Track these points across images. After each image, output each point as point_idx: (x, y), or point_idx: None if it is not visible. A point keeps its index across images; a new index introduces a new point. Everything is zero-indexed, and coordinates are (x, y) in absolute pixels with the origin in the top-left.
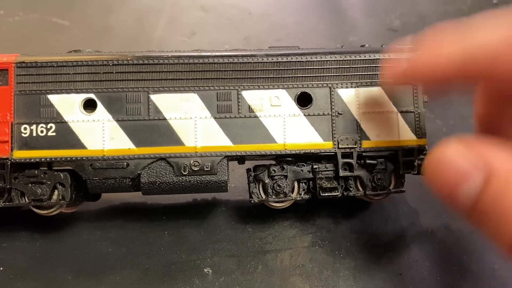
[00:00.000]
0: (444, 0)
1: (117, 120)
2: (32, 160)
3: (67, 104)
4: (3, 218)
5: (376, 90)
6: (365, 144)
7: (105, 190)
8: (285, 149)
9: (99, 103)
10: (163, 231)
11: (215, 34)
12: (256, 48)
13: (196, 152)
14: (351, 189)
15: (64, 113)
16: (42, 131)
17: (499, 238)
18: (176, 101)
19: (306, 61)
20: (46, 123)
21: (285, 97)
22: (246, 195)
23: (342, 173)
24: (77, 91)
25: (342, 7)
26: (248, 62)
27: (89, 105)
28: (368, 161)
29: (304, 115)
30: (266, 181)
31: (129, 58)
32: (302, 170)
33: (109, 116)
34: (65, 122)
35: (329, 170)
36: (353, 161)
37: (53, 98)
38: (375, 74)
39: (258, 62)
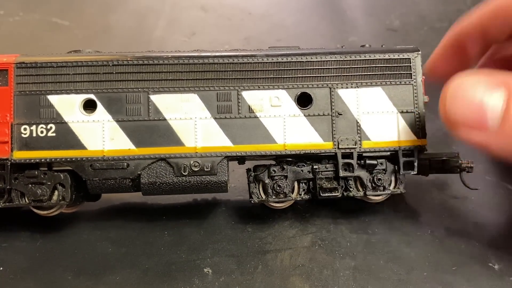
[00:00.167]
0: (444, 0)
1: (117, 121)
2: (32, 160)
3: (67, 105)
4: (3, 218)
5: (376, 90)
6: (365, 145)
7: (105, 191)
8: (285, 149)
9: (99, 104)
10: (163, 231)
11: (215, 34)
12: (256, 48)
13: (196, 152)
14: (351, 189)
15: (64, 114)
16: (42, 132)
17: None
18: (176, 102)
19: (306, 61)
20: (46, 124)
21: (285, 97)
22: (246, 195)
23: (342, 173)
24: (77, 91)
25: (342, 7)
26: (248, 63)
27: (89, 106)
28: (368, 162)
29: (304, 115)
30: (266, 181)
31: (129, 59)
32: (302, 171)
33: (109, 117)
34: (65, 123)
35: (329, 171)
36: (353, 162)
37: (53, 99)
38: (375, 74)
39: (258, 63)
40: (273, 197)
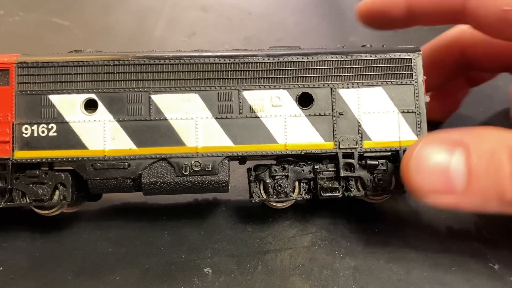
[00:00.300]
0: None
1: (118, 121)
2: (33, 160)
3: (68, 104)
4: (4, 218)
5: (377, 90)
6: (366, 145)
7: (106, 191)
8: (286, 149)
9: (100, 104)
10: (163, 231)
11: (215, 34)
12: (256, 48)
13: (197, 152)
14: (351, 189)
15: (65, 113)
16: (43, 132)
17: (502, 198)
18: (177, 102)
19: (307, 61)
20: (47, 123)
21: (286, 97)
22: (246, 195)
23: (343, 173)
24: (78, 91)
25: (342, 7)
26: (249, 62)
27: (90, 105)
28: (369, 162)
29: (305, 115)
30: (267, 181)
31: (130, 59)
32: (303, 170)
33: (110, 117)
34: (66, 123)
35: (330, 171)
36: (354, 162)
37: (54, 98)
38: (376, 74)
39: (259, 62)
40: (274, 196)
